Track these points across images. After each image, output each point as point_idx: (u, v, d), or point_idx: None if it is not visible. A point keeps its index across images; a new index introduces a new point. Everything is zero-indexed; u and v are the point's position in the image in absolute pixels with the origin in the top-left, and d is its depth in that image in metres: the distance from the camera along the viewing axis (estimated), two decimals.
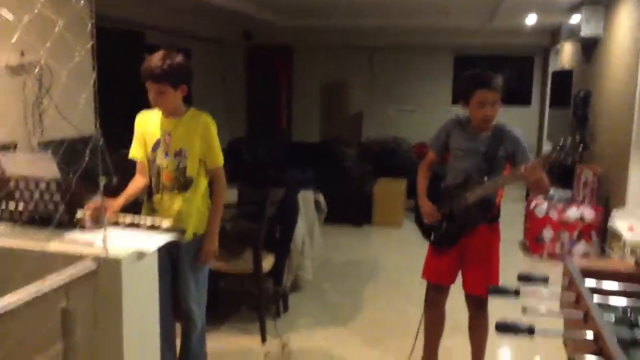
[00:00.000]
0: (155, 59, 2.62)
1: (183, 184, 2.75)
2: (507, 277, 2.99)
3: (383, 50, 10.50)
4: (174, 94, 2.69)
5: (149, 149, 2.78)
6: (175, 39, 7.84)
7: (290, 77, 10.70)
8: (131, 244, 2.15)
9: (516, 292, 2.08)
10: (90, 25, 2.63)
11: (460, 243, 2.96)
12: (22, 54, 4.13)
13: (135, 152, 2.84)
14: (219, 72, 9.56)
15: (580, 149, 2.55)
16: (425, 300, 3.15)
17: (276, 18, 8.57)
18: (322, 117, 10.86)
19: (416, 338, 3.25)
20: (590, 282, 2.11)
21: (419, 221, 3.12)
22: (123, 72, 5.83)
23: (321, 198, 4.57)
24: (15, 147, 4.07)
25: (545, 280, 2.19)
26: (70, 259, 1.98)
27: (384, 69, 10.67)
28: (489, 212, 2.92)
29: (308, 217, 4.35)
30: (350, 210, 6.61)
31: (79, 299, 1.93)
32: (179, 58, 2.68)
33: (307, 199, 4.38)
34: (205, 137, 2.74)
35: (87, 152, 2.40)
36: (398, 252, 5.92)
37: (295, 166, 7.03)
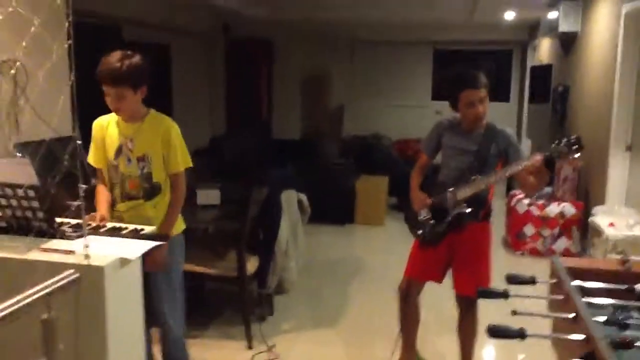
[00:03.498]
0: (113, 60, 2.53)
1: (149, 190, 2.69)
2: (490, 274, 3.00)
3: (363, 44, 10.49)
4: (134, 97, 2.60)
5: (111, 156, 2.70)
6: (154, 34, 7.72)
7: (270, 71, 10.60)
8: (113, 251, 2.09)
9: (505, 294, 2.07)
10: (67, 23, 2.55)
11: (448, 241, 2.94)
12: None
13: (95, 160, 2.76)
14: (199, 67, 9.44)
15: (575, 147, 2.56)
16: (399, 292, 3.13)
17: (255, 10, 8.49)
18: (302, 111, 10.81)
19: (397, 340, 3.23)
20: (577, 282, 2.11)
21: (407, 218, 3.11)
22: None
23: (304, 198, 4.54)
24: None
25: (532, 281, 2.19)
26: (50, 268, 1.92)
27: (364, 63, 10.67)
28: (480, 209, 2.91)
29: (291, 218, 4.32)
30: (332, 208, 6.58)
31: (61, 309, 1.86)
32: (137, 58, 2.59)
33: (290, 199, 4.34)
34: (167, 142, 2.67)
35: (66, 156, 2.35)
36: (381, 251, 5.92)
37: (277, 164, 6.99)
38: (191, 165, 2.77)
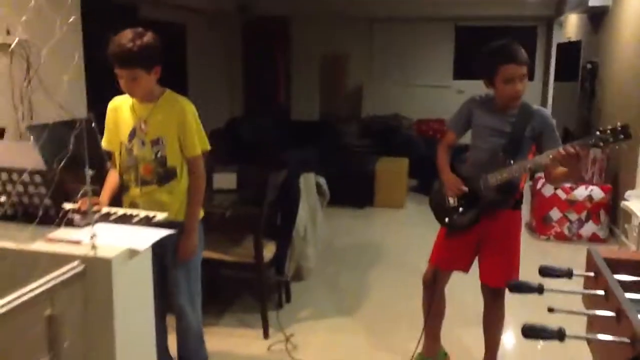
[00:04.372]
0: (124, 41, 2.39)
1: (164, 175, 2.56)
2: None
3: (383, 22, 10.23)
4: (148, 78, 2.47)
5: (125, 139, 2.58)
6: (170, 13, 7.59)
7: (288, 50, 10.42)
8: (122, 241, 1.98)
9: (539, 289, 1.92)
10: None
11: (477, 229, 2.78)
12: (8, 32, 3.93)
13: (108, 143, 2.65)
14: (215, 47, 9.30)
15: (622, 136, 2.35)
16: (423, 282, 2.99)
17: None
18: (321, 92, 10.62)
19: (423, 332, 3.09)
20: (618, 276, 1.96)
21: (433, 203, 2.96)
22: None
23: (323, 181, 4.39)
24: (3, 133, 3.88)
25: (569, 273, 2.04)
26: (55, 260, 1.81)
27: (384, 41, 10.41)
28: (512, 196, 2.74)
29: (310, 202, 4.18)
30: (351, 191, 6.44)
31: (66, 304, 1.76)
32: (148, 37, 2.44)
33: (309, 183, 4.20)
34: (182, 124, 2.54)
35: (72, 138, 2.24)
36: (402, 234, 5.77)
37: (296, 145, 6.85)
38: (209, 148, 2.65)
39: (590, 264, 2.13)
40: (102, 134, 2.74)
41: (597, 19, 6.64)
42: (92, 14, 5.18)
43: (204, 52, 8.78)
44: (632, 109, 5.06)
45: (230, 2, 9.22)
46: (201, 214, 2.71)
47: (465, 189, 2.76)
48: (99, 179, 2.87)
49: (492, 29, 9.70)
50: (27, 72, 4.12)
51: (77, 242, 1.95)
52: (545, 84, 9.82)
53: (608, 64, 6.18)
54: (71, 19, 2.09)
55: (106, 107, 2.67)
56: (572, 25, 8.30)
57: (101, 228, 2.09)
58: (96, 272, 1.84)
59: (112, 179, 2.66)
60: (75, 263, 1.82)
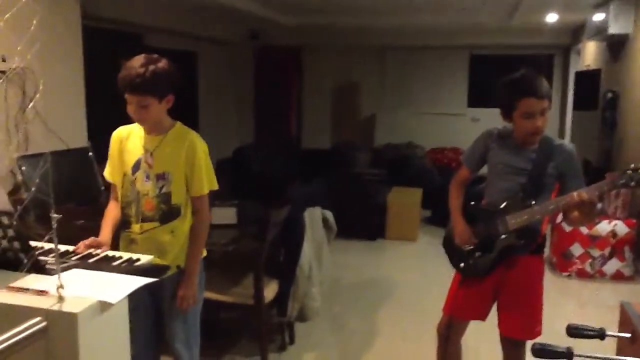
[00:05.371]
0: (136, 66, 2.22)
1: (167, 212, 2.36)
2: None
3: (396, 50, 10.09)
4: (159, 107, 2.29)
5: (129, 171, 2.39)
6: (177, 41, 7.49)
7: (299, 79, 10.31)
8: (94, 291, 1.75)
9: (568, 354, 1.67)
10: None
11: (495, 275, 2.53)
12: (4, 59, 3.80)
13: (111, 175, 2.47)
14: (226, 75, 9.19)
15: None
16: (438, 332, 2.73)
17: (283, 17, 8.19)
18: (333, 120, 10.47)
19: None
20: None
21: (447, 245, 2.72)
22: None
23: (330, 215, 4.15)
24: None
25: (601, 334, 1.78)
26: (13, 313, 1.60)
27: (397, 70, 10.26)
28: (533, 241, 2.50)
29: (315, 238, 3.94)
30: (362, 222, 6.20)
31: None
32: (162, 63, 2.28)
33: (315, 217, 3.96)
34: (191, 159, 2.35)
35: (38, 176, 2.04)
36: (414, 270, 5.48)
37: (306, 174, 6.64)
38: (216, 187, 2.46)
39: (625, 323, 1.88)
40: (99, 164, 2.57)
41: (617, 46, 6.42)
42: (95, 42, 5.08)
43: (215, 80, 8.67)
44: None
45: (242, 30, 9.13)
46: (203, 252, 2.51)
47: (475, 241, 2.55)
48: (93, 214, 2.68)
49: (508, 57, 9.51)
50: (23, 100, 3.98)
51: (44, 293, 1.73)
52: (562, 112, 9.57)
53: (630, 93, 5.94)
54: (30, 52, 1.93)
55: (109, 137, 2.50)
56: (590, 53, 8.07)
57: (74, 275, 1.88)
58: (60, 328, 1.61)
59: (112, 212, 2.46)
60: (37, 319, 1.60)
